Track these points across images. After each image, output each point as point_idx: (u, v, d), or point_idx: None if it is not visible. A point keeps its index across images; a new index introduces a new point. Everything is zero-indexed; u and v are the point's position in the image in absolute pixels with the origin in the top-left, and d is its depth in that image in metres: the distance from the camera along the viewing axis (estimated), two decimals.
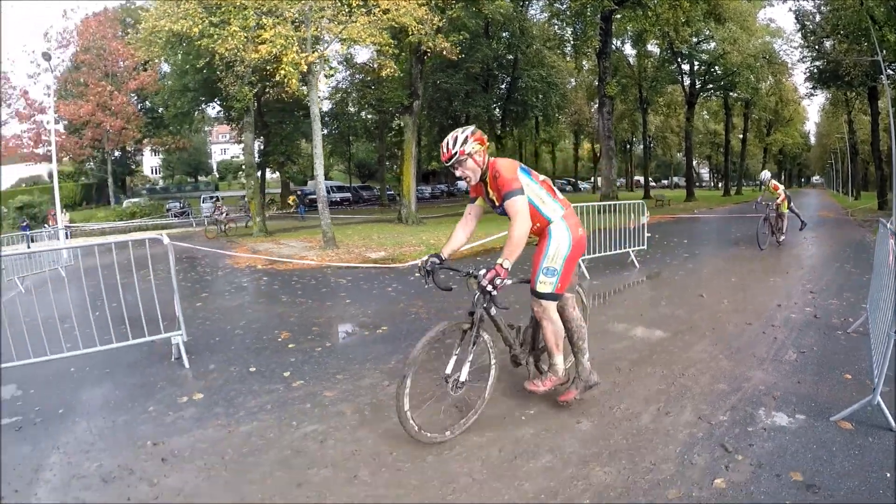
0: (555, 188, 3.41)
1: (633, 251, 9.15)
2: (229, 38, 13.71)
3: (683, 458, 2.87)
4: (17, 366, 4.23)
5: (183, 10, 14.06)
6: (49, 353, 4.33)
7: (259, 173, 37.79)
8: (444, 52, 17.86)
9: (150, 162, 50.82)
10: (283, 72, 13.13)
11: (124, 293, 4.87)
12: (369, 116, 30.54)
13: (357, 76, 27.46)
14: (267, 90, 18.25)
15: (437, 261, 3.34)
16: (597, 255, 8.65)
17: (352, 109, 31.37)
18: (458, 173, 3.28)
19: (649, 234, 9.77)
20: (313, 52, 13.79)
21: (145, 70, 32.82)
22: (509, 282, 3.19)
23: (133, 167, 44.46)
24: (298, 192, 35.08)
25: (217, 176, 57.45)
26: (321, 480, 2.78)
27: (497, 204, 3.25)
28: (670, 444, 3.01)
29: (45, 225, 25.55)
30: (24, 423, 3.69)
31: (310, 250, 13.08)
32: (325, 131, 31.35)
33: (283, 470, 2.90)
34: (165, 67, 30.45)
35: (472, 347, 3.17)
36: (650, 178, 47.43)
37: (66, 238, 18.71)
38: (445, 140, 3.24)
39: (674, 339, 4.96)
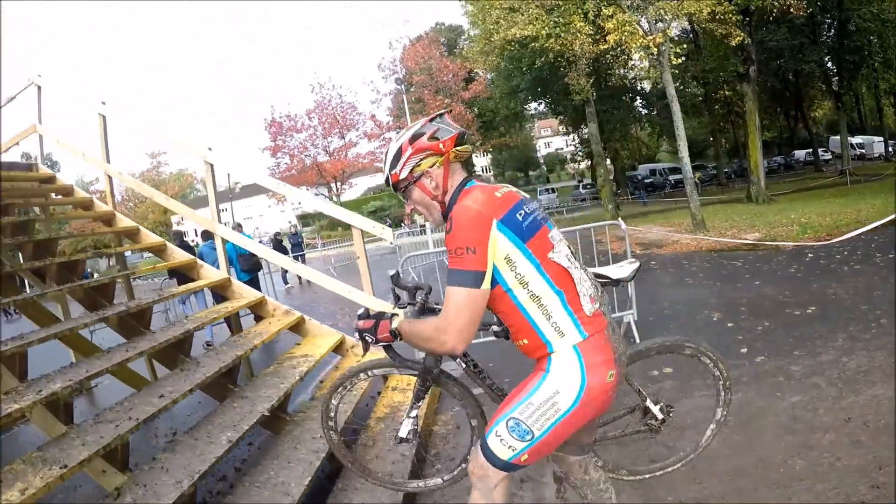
0: (586, 281, 1.73)
1: None
2: (578, 35, 14.51)
3: None
4: None
5: (527, 16, 15.33)
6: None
7: (589, 162, 39.09)
8: (791, 9, 15.65)
9: (479, 162, 56.61)
10: (636, 56, 13.29)
11: None
12: (692, 90, 28.59)
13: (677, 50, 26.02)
14: (608, 79, 18.69)
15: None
16: None
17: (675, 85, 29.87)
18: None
19: None
20: (658, 34, 13.65)
21: (470, 81, 36.90)
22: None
23: (471, 168, 49.85)
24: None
25: (545, 169, 60.91)
26: (829, 444, 2.89)
27: None
28: None
29: (402, 224, 30.42)
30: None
31: (679, 234, 12.97)
32: (654, 111, 30.55)
33: (790, 434, 3.06)
34: (484, 74, 33.76)
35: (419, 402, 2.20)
36: None
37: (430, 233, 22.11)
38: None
39: None
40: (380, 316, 1.87)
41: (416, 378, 2.16)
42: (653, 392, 2.12)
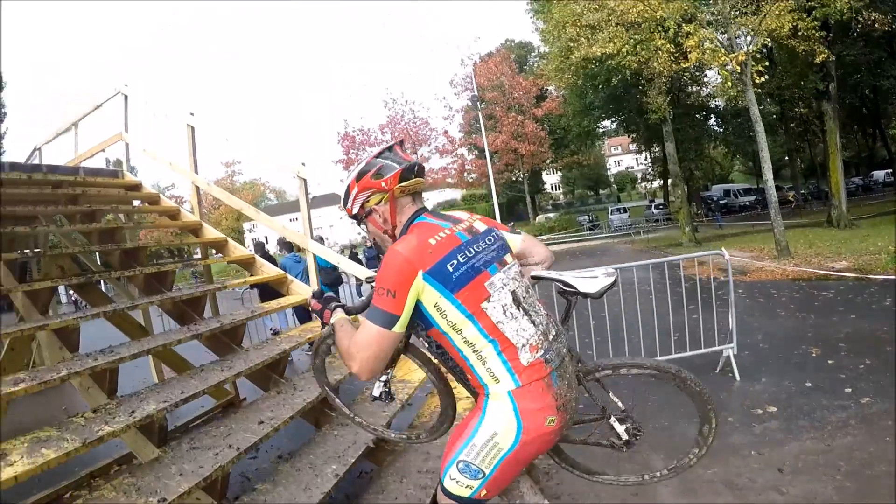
0: (527, 330, 1.69)
1: None
2: (658, 53, 14.25)
3: None
4: None
5: (608, 34, 15.16)
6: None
7: (661, 181, 37.81)
8: (875, 24, 14.75)
9: (549, 179, 55.86)
10: (721, 75, 12.92)
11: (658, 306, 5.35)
12: (768, 108, 27.15)
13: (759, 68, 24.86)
14: (682, 97, 18.19)
15: None
16: None
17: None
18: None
19: None
20: (740, 52, 13.17)
21: (542, 98, 36.67)
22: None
23: (540, 185, 49.00)
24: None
25: (616, 188, 59.50)
26: None
27: None
28: None
29: None
30: None
31: (762, 260, 12.39)
32: (728, 129, 29.39)
33: None
34: (557, 91, 33.42)
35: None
36: None
37: None
38: None
39: None
40: (327, 303, 1.93)
41: None
42: (625, 409, 2.03)
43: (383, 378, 2.28)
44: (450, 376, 2.19)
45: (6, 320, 4.52)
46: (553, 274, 2.08)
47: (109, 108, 6.63)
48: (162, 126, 6.20)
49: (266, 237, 31.15)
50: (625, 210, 37.51)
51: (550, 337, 1.73)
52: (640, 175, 53.72)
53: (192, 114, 5.66)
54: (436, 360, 2.21)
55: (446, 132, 38.89)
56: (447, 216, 1.81)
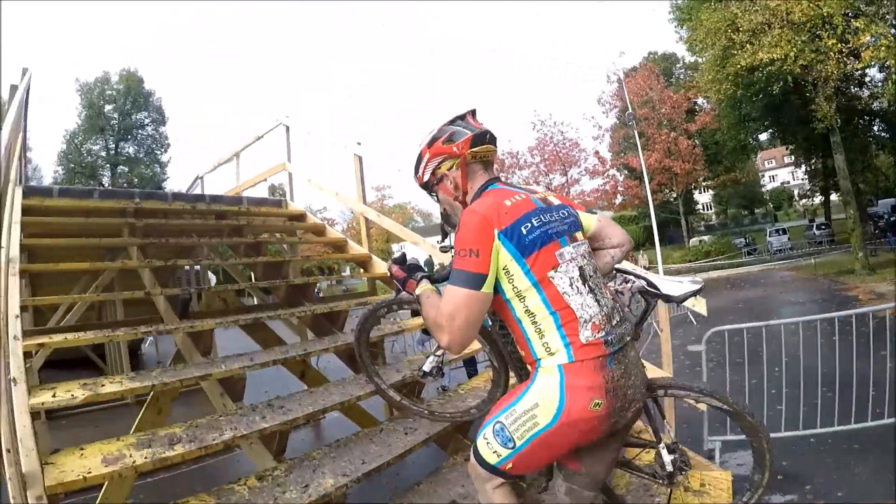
0: (591, 307, 1.65)
1: None
2: (829, 54, 13.08)
3: None
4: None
5: (772, 38, 14.19)
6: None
7: (822, 198, 33.56)
8: None
9: (700, 199, 51.83)
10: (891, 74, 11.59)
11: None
12: None
13: None
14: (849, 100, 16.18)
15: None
16: None
17: None
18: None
19: None
20: None
21: (692, 112, 34.56)
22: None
23: (693, 206, 44.86)
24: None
25: (771, 206, 54.19)
26: None
27: None
28: None
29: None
30: None
31: None
32: None
33: None
34: (710, 104, 31.21)
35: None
36: None
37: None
38: None
39: None
40: (411, 272, 1.88)
41: None
42: (675, 440, 1.95)
43: (439, 352, 2.29)
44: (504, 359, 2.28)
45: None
46: (638, 270, 2.08)
47: (270, 138, 7.06)
48: (313, 153, 6.61)
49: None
50: (784, 231, 34.10)
51: (614, 322, 1.69)
52: (797, 191, 48.61)
53: (358, 143, 5.65)
54: (497, 340, 2.28)
55: (597, 152, 37.92)
56: (520, 185, 1.87)
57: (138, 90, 44.15)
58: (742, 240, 36.52)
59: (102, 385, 2.55)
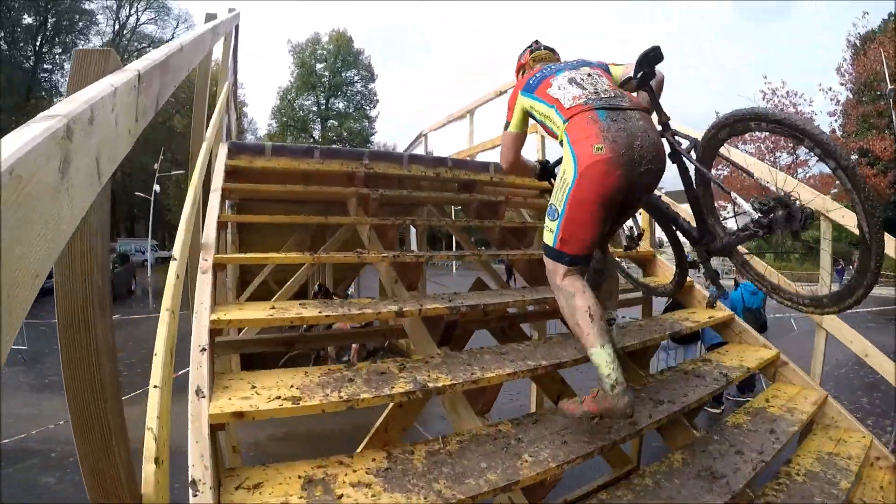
0: (571, 87, 2.12)
1: None
2: None
3: None
4: None
5: None
6: None
7: None
8: None
9: None
10: None
11: None
12: None
13: None
14: None
15: None
16: None
17: None
18: None
19: None
20: None
21: None
22: None
23: None
24: None
25: None
26: None
27: None
28: None
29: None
30: None
31: None
32: None
33: None
34: None
35: None
36: None
37: None
38: None
39: None
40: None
41: None
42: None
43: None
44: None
45: None
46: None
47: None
48: None
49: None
50: None
51: (602, 94, 2.05)
52: None
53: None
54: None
55: (834, 132, 32.62)
56: (560, 63, 2.40)
57: (348, 49, 47.14)
58: None
59: None
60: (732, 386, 3.61)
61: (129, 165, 32.81)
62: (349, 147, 47.42)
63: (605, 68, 2.28)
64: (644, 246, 4.11)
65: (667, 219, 2.48)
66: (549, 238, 2.00)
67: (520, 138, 2.40)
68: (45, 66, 35.41)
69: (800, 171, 32.18)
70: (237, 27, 5.02)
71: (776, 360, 3.36)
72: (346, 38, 47.14)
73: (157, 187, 28.56)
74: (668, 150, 2.12)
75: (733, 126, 2.05)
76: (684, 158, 2.17)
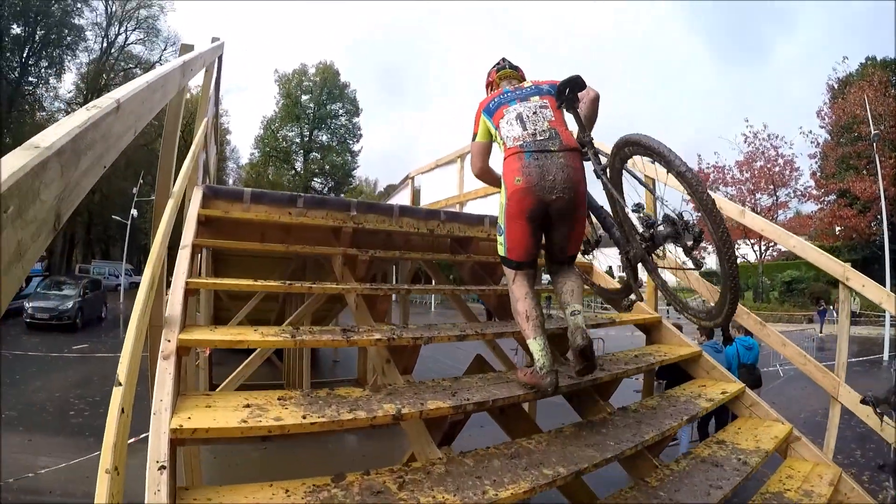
0: (515, 128, 2.53)
1: None
2: None
3: None
4: None
5: None
6: None
7: None
8: None
9: None
10: None
11: None
12: None
13: None
14: None
15: None
16: None
17: None
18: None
19: None
20: None
21: None
22: None
23: None
24: None
25: None
26: None
27: None
28: None
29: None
30: None
31: None
32: None
33: None
34: None
35: None
36: None
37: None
38: None
39: None
40: None
41: None
42: None
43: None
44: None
45: None
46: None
47: None
48: None
49: None
50: None
51: (538, 138, 2.44)
52: None
53: None
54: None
55: (815, 174, 33.06)
56: (517, 87, 2.73)
57: (334, 82, 47.30)
58: None
59: None
60: None
61: (107, 188, 32.11)
62: (331, 185, 46.81)
63: (553, 93, 2.58)
64: (645, 307, 4.13)
65: (605, 226, 2.80)
66: (501, 250, 2.54)
67: (486, 147, 2.71)
68: (31, 78, 34.80)
69: (780, 212, 32.55)
70: (220, 58, 4.74)
71: (789, 436, 3.30)
72: (332, 71, 47.33)
73: (134, 212, 27.98)
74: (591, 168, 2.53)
75: (621, 149, 2.34)
76: (600, 174, 2.52)
